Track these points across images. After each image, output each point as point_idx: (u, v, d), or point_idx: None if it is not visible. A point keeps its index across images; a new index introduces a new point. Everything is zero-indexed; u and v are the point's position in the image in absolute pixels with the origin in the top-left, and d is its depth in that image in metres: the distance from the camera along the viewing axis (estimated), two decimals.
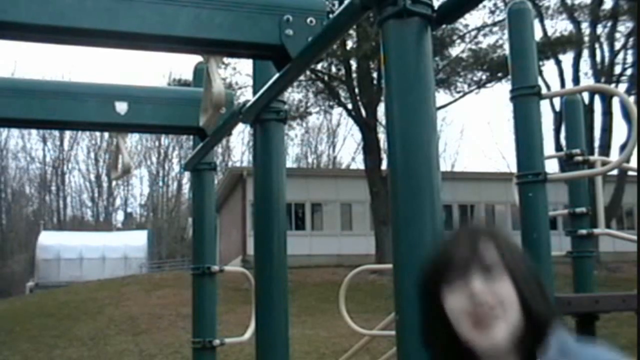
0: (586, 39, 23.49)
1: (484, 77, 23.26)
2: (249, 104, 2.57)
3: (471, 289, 1.20)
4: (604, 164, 4.26)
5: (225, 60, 20.94)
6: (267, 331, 2.66)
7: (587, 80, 23.95)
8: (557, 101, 21.17)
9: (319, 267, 21.24)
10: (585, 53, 24.11)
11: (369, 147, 21.46)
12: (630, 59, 23.50)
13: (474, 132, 67.49)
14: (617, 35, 23.71)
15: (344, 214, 25.88)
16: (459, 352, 1.26)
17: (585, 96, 21.41)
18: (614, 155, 19.93)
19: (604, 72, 23.72)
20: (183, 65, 51.26)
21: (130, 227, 43.98)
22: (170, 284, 19.37)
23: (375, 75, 21.13)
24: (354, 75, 21.81)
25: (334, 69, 22.16)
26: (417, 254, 1.46)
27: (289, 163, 38.56)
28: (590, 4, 22.97)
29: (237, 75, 21.82)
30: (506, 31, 3.16)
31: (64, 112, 2.97)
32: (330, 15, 2.06)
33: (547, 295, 1.28)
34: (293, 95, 22.64)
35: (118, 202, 48.20)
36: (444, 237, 1.36)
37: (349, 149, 66.89)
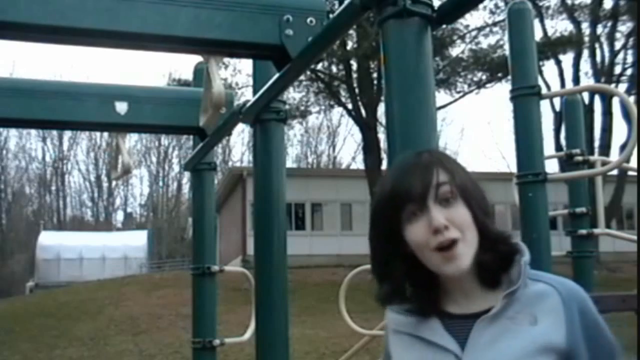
0: (586, 39, 23.48)
1: (484, 77, 23.26)
2: (249, 104, 2.56)
3: (431, 218, 1.22)
4: (604, 164, 4.26)
5: (226, 60, 20.93)
6: (267, 331, 2.66)
7: (587, 80, 23.96)
8: (557, 101, 21.17)
9: (319, 267, 21.23)
10: (586, 53, 24.11)
11: (369, 147, 21.47)
12: (630, 59, 23.51)
13: (474, 132, 67.52)
14: (617, 35, 23.72)
15: (344, 214, 25.87)
16: (420, 280, 1.29)
17: (586, 96, 21.40)
18: (614, 155, 19.93)
19: (604, 72, 23.73)
20: (183, 65, 51.28)
21: (130, 227, 43.99)
22: (170, 284, 19.37)
23: (375, 75, 21.13)
24: (354, 75, 21.81)
25: (334, 69, 22.16)
26: None
27: (289, 163, 38.58)
28: (591, 3, 22.96)
29: (237, 75, 21.84)
30: (506, 31, 3.16)
31: (64, 112, 2.96)
32: (331, 15, 2.06)
33: (483, 193, 1.33)
34: (293, 95, 22.65)
35: (118, 202, 48.24)
36: (394, 168, 1.34)
37: (349, 149, 66.90)
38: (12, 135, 44.59)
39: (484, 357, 1.22)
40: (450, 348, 1.24)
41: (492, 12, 21.17)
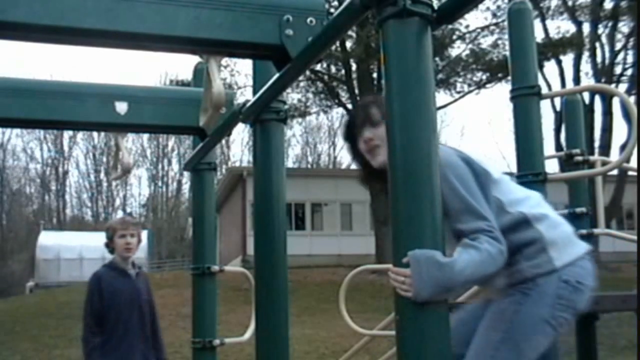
0: (586, 39, 23.49)
1: (484, 77, 23.25)
2: (249, 104, 2.56)
3: (364, 136, 2.24)
4: (604, 164, 4.26)
5: (225, 60, 20.93)
6: (267, 331, 2.66)
7: (587, 80, 23.97)
8: (557, 101, 21.18)
9: (319, 267, 21.22)
10: (586, 53, 24.11)
11: None
12: (630, 59, 23.52)
13: (474, 132, 67.44)
14: (618, 35, 23.73)
15: (344, 214, 25.89)
16: (371, 169, 2.30)
17: (586, 96, 21.42)
18: (614, 155, 19.94)
19: (604, 72, 23.74)
20: (180, 65, 51.33)
21: None
22: (170, 284, 19.37)
23: (375, 75, 21.13)
24: (354, 75, 21.80)
25: (333, 69, 22.16)
26: None
27: (289, 163, 38.58)
28: (591, 4, 22.97)
29: (237, 75, 21.84)
30: (506, 31, 3.16)
31: (64, 112, 2.96)
32: (330, 16, 2.06)
33: None
34: (292, 95, 22.64)
35: (118, 202, 48.23)
36: (355, 106, 2.34)
37: None
38: (13, 135, 44.62)
39: None
40: None
41: (494, 15, 21.16)
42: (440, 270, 1.57)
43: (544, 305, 2.10)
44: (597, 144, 22.97)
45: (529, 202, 2.26)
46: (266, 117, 2.56)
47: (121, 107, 2.98)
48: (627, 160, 3.83)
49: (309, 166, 43.25)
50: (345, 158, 46.41)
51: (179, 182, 46.71)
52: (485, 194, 2.11)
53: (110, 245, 4.42)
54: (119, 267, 4.36)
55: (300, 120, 27.16)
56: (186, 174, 38.75)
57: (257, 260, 2.69)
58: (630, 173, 15.88)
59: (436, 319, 1.47)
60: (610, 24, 23.61)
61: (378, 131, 2.16)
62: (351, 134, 2.32)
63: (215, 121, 2.35)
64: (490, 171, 2.24)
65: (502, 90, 23.17)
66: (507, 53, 3.15)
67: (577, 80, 23.87)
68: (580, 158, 3.97)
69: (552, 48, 22.07)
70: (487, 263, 1.93)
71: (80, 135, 42.51)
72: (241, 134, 41.28)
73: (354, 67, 21.55)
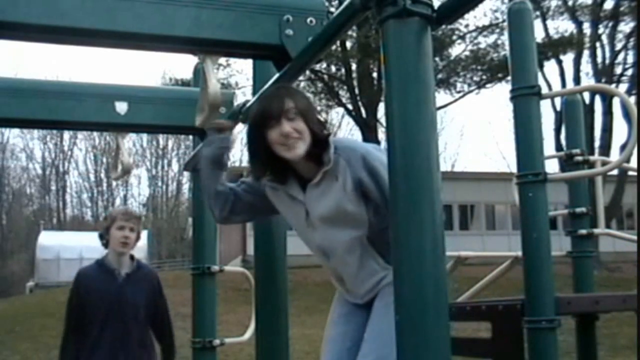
0: (587, 39, 23.49)
1: (484, 77, 23.26)
2: (249, 104, 2.56)
3: (282, 128, 2.12)
4: (604, 164, 4.25)
5: (225, 60, 20.97)
6: (267, 331, 2.66)
7: (587, 80, 23.97)
8: (557, 101, 21.18)
9: (319, 267, 21.13)
10: (586, 53, 24.12)
11: None
12: (630, 59, 23.52)
13: (474, 132, 67.47)
14: (618, 35, 23.72)
15: None
16: (275, 165, 2.23)
17: (586, 96, 21.41)
18: (614, 155, 19.95)
19: (604, 72, 23.74)
20: (180, 65, 51.40)
21: None
22: (170, 284, 19.32)
23: (375, 75, 21.13)
24: (354, 75, 21.80)
25: (333, 69, 22.16)
26: (417, 255, 1.46)
27: None
28: (591, 4, 22.98)
29: (237, 75, 21.84)
30: (506, 31, 3.16)
31: (64, 112, 2.96)
32: (330, 16, 2.06)
33: (321, 120, 2.23)
34: None
35: (118, 202, 48.21)
36: (263, 97, 2.24)
37: None
38: (13, 134, 44.63)
39: (315, 205, 2.25)
40: (300, 199, 2.28)
41: (493, 12, 21.16)
42: None
43: None
44: (597, 144, 22.97)
45: None
46: None
47: (121, 107, 2.98)
48: (627, 160, 3.82)
49: None
50: None
51: (179, 182, 46.73)
52: None
53: (104, 237, 3.86)
54: (105, 265, 3.84)
55: None
56: (186, 174, 38.74)
57: (257, 260, 2.69)
58: (630, 173, 15.88)
59: (436, 319, 1.47)
60: (610, 24, 23.61)
61: (296, 125, 2.13)
62: (260, 122, 2.16)
63: (211, 121, 2.35)
64: None
65: (502, 90, 23.19)
66: (507, 53, 3.14)
67: (577, 80, 23.87)
68: (580, 158, 3.96)
69: (552, 48, 22.08)
70: None
71: (80, 134, 42.49)
72: (241, 134, 41.25)
73: (353, 66, 21.55)
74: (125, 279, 3.86)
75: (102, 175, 44.93)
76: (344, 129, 46.31)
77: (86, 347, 3.73)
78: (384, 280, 2.26)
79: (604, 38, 24.14)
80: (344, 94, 22.84)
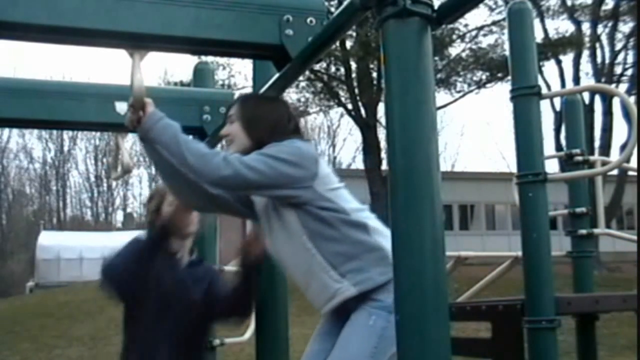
0: (587, 39, 23.48)
1: (484, 77, 23.24)
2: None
3: (221, 132, 2.42)
4: (604, 164, 4.25)
5: (225, 60, 20.98)
6: (267, 331, 2.66)
7: (587, 80, 23.95)
8: (557, 101, 21.18)
9: None
10: (586, 53, 24.11)
11: (369, 147, 21.44)
12: (630, 59, 23.51)
13: (474, 132, 67.42)
14: (618, 35, 23.72)
15: None
16: None
17: (586, 96, 21.40)
18: (614, 155, 19.94)
19: (604, 72, 23.73)
20: (180, 65, 51.37)
21: (130, 227, 43.92)
22: None
23: (375, 75, 21.12)
24: (354, 75, 21.78)
25: (333, 69, 22.14)
26: (416, 255, 1.46)
27: None
28: (591, 4, 22.97)
29: (237, 75, 21.85)
30: (506, 31, 3.16)
31: (64, 112, 2.96)
32: (330, 16, 2.06)
33: (268, 121, 2.33)
34: (291, 96, 22.63)
35: (117, 202, 48.22)
36: None
37: (349, 149, 66.76)
38: (13, 135, 44.61)
39: (258, 206, 2.42)
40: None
41: (491, 9, 21.13)
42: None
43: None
44: (597, 144, 22.95)
45: (365, 213, 2.29)
46: None
47: (121, 107, 2.98)
48: (627, 160, 3.82)
49: None
50: (345, 158, 46.53)
51: None
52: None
53: (156, 221, 3.06)
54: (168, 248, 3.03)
55: (299, 120, 27.13)
56: None
57: None
58: (630, 173, 15.87)
59: (436, 319, 1.47)
60: (610, 24, 23.59)
61: (233, 128, 2.35)
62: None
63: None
64: (332, 176, 2.29)
65: (502, 90, 23.18)
66: (507, 53, 3.14)
67: (577, 80, 23.84)
68: (580, 158, 3.96)
69: (552, 48, 22.05)
70: (202, 156, 2.09)
71: (80, 134, 42.46)
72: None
73: (353, 66, 21.54)
74: (188, 268, 3.23)
75: (103, 175, 44.91)
76: (344, 128, 46.41)
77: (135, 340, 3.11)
78: (339, 293, 2.16)
79: (604, 38, 24.14)
80: (343, 94, 22.82)
